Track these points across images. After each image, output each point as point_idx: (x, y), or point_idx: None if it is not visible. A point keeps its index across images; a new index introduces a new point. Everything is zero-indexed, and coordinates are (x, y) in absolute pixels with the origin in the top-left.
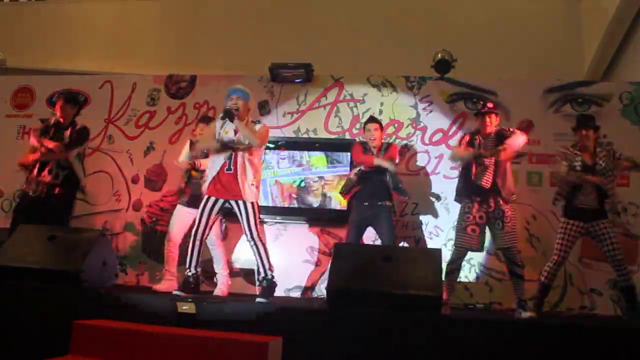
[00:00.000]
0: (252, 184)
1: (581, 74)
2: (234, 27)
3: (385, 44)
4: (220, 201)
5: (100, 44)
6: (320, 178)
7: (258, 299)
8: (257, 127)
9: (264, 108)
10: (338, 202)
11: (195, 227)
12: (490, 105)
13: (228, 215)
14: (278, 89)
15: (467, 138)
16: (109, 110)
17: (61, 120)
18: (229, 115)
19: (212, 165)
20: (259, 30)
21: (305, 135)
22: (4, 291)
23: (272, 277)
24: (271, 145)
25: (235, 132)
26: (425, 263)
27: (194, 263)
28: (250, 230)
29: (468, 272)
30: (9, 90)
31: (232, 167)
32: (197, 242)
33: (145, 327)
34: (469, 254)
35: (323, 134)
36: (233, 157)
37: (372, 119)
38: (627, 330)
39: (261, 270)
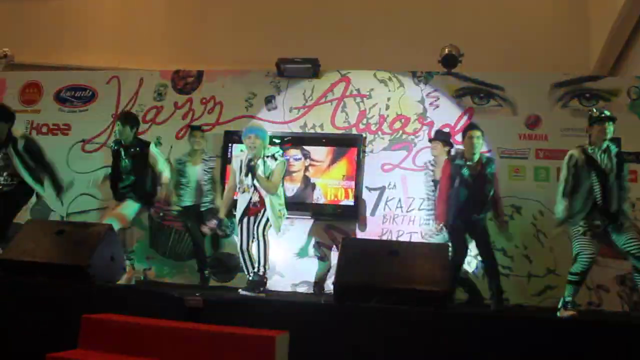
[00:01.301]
0: (279, 216)
1: (588, 69)
2: (240, 22)
3: (392, 39)
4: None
5: (108, 39)
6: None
7: (241, 291)
8: (276, 161)
9: (270, 103)
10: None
11: (239, 243)
12: (607, 112)
13: None
14: (285, 84)
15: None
16: (116, 106)
17: None
18: (251, 171)
19: (240, 205)
20: (266, 25)
21: (312, 131)
22: (13, 285)
23: (264, 273)
24: (277, 141)
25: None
26: (432, 258)
27: (249, 268)
28: (257, 227)
29: (475, 268)
30: (17, 85)
31: (257, 204)
32: (246, 254)
33: (153, 321)
34: (474, 250)
35: (330, 129)
36: (258, 194)
37: (475, 126)
38: (634, 325)
39: (255, 264)
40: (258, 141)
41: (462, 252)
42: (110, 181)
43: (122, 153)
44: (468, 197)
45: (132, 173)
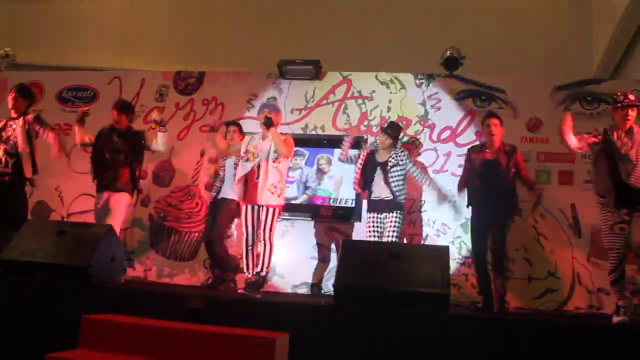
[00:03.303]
0: (271, 191)
1: (590, 72)
2: (242, 24)
3: (393, 41)
4: (256, 207)
5: (109, 40)
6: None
7: (241, 291)
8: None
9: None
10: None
11: (245, 237)
12: (631, 97)
13: None
14: (286, 86)
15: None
16: None
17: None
18: (268, 122)
19: (240, 174)
20: (267, 26)
21: (313, 132)
22: (14, 285)
23: (266, 275)
24: None
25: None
26: (433, 260)
27: (250, 267)
28: (264, 231)
29: (475, 270)
30: None
31: (260, 176)
32: (250, 249)
33: (153, 322)
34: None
35: (331, 131)
36: (261, 166)
37: (493, 114)
38: (634, 329)
39: (258, 266)
40: (272, 114)
41: (481, 240)
42: (94, 162)
43: (114, 135)
44: (485, 184)
45: (119, 155)
